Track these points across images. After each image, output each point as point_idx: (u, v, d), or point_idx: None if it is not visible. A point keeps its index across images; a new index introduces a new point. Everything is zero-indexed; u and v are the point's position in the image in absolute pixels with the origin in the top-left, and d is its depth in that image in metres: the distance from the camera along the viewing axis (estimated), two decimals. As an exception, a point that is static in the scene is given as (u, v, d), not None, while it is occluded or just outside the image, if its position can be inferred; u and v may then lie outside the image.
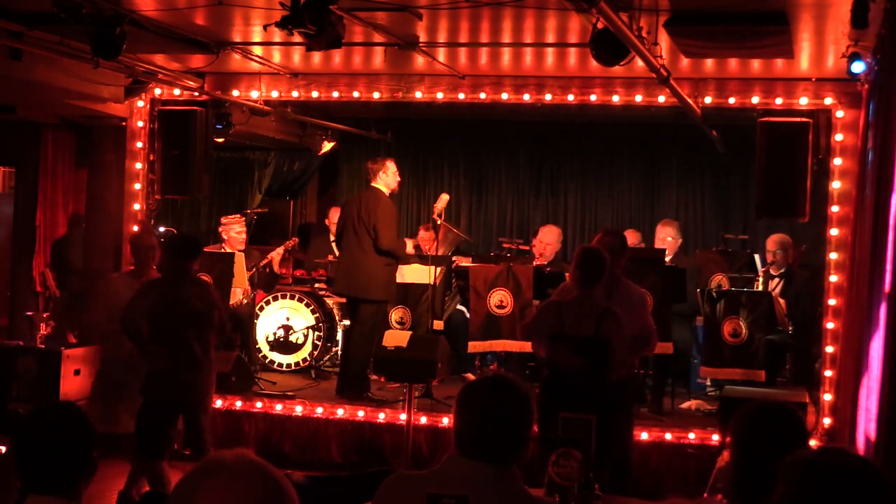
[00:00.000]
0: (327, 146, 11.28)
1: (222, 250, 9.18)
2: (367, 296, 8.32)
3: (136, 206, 8.83)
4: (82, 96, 8.18)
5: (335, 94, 8.70)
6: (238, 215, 9.61)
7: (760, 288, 8.42)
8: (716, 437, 7.14)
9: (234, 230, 9.35)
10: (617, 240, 6.40)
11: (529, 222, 11.61)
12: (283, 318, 9.65)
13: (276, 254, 9.46)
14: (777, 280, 8.63)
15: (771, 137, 7.65)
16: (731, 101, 8.00)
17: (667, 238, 9.03)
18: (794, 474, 2.22)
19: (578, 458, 3.85)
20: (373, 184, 8.45)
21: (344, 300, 9.14)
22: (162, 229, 8.93)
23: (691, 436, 7.39)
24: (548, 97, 8.32)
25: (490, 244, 11.39)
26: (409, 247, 9.01)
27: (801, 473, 2.21)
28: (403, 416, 7.39)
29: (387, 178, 8.43)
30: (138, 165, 8.84)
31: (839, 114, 7.73)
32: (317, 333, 9.57)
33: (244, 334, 9.17)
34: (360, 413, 7.87)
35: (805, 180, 7.53)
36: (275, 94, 8.78)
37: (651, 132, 10.72)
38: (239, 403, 8.10)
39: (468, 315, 8.72)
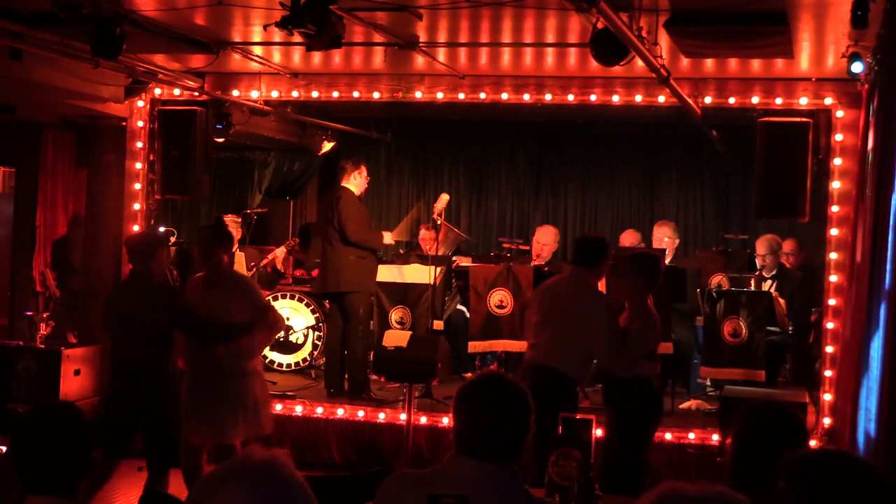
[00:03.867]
0: (327, 146, 11.28)
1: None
2: (339, 288, 8.38)
3: (136, 206, 8.83)
4: (82, 96, 8.18)
5: (335, 94, 8.70)
6: (231, 215, 9.61)
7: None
8: (716, 437, 7.15)
9: None
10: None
11: (529, 222, 11.60)
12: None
13: (281, 252, 9.47)
14: (770, 282, 8.63)
15: (771, 137, 7.65)
16: (731, 101, 8.00)
17: (664, 238, 9.02)
18: (798, 472, 2.23)
19: (578, 458, 3.84)
20: (343, 183, 8.54)
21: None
22: (162, 229, 8.92)
23: (691, 436, 7.40)
24: (548, 97, 8.32)
25: (490, 244, 11.39)
26: (388, 238, 9.00)
27: (805, 471, 2.23)
28: (403, 416, 7.39)
29: (359, 180, 8.59)
30: (138, 165, 8.83)
31: (839, 114, 7.73)
32: (317, 333, 9.57)
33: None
34: (360, 413, 7.87)
35: (805, 180, 7.53)
36: (275, 94, 8.78)
37: (651, 132, 10.72)
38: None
39: (468, 315, 8.72)
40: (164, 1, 6.19)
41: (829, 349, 7.59)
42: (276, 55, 8.06)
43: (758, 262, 8.73)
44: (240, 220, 9.63)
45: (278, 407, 8.03)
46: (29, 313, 9.40)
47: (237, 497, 1.87)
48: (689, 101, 7.62)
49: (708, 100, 7.99)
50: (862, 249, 6.43)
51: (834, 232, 7.70)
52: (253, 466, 1.90)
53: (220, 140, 9.18)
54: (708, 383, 8.67)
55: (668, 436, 7.40)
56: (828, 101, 7.77)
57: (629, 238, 9.53)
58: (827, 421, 7.46)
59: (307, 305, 9.63)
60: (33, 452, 2.87)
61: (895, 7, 5.35)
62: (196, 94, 8.63)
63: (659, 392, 6.30)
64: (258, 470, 1.90)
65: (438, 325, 8.73)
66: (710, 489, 1.91)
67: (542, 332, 6.05)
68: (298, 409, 8.01)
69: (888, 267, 5.44)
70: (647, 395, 5.93)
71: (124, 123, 8.89)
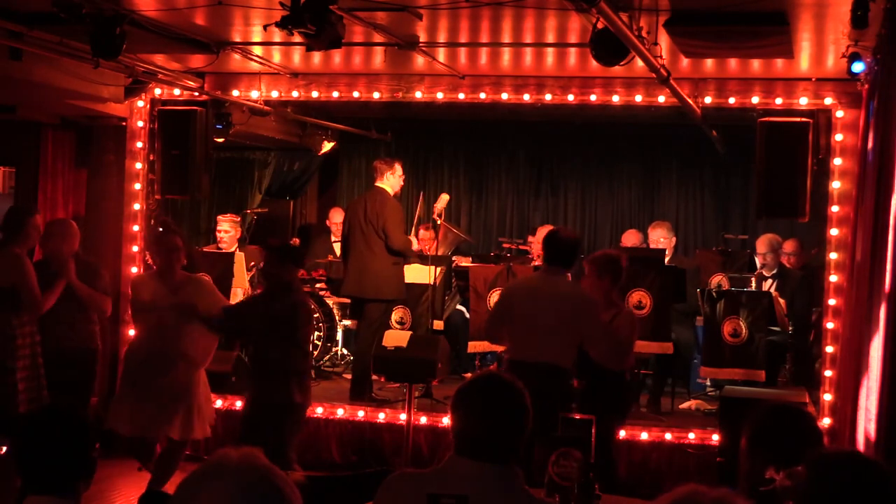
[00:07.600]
0: (327, 146, 11.28)
1: (217, 250, 9.18)
2: (377, 296, 8.34)
3: (136, 206, 8.83)
4: (82, 96, 8.18)
5: (335, 94, 8.69)
6: (230, 214, 9.59)
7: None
8: (716, 437, 7.14)
9: (221, 228, 9.35)
10: None
11: (529, 222, 11.61)
12: (283, 317, 9.63)
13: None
14: (770, 281, 8.63)
15: (771, 137, 7.65)
16: (731, 101, 7.99)
17: (660, 239, 9.01)
18: (820, 470, 2.25)
19: (578, 458, 3.84)
20: (378, 183, 8.45)
21: (347, 300, 9.14)
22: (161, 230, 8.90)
23: (691, 436, 7.40)
24: (548, 97, 8.32)
25: (490, 244, 11.40)
26: (415, 244, 9.03)
27: (825, 470, 2.25)
28: (403, 416, 7.39)
29: (393, 180, 8.46)
30: (138, 165, 8.83)
31: (839, 114, 7.73)
32: (317, 333, 9.57)
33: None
34: (360, 413, 7.87)
35: (805, 180, 7.53)
36: (275, 94, 8.77)
37: (651, 132, 10.72)
38: (239, 403, 8.08)
39: (468, 315, 8.73)
40: (164, 1, 6.19)
41: (829, 349, 7.59)
42: (276, 55, 8.06)
43: (758, 260, 8.73)
44: (240, 219, 9.62)
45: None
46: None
47: (227, 495, 1.87)
48: (689, 101, 7.62)
49: (708, 100, 7.99)
50: (862, 249, 6.42)
51: (834, 232, 7.70)
52: (234, 463, 1.91)
53: (220, 140, 9.18)
54: (708, 383, 8.68)
55: (668, 436, 7.41)
56: (828, 101, 7.77)
57: (631, 238, 9.53)
58: (827, 421, 7.45)
59: (307, 305, 9.61)
60: (33, 452, 2.87)
61: (895, 7, 5.34)
62: (196, 94, 8.63)
63: (630, 386, 6.74)
64: (242, 467, 1.90)
65: (438, 325, 8.74)
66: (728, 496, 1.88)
67: (534, 329, 5.91)
68: (298, 409, 7.99)
69: (888, 267, 5.43)
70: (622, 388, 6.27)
71: (124, 123, 8.89)
